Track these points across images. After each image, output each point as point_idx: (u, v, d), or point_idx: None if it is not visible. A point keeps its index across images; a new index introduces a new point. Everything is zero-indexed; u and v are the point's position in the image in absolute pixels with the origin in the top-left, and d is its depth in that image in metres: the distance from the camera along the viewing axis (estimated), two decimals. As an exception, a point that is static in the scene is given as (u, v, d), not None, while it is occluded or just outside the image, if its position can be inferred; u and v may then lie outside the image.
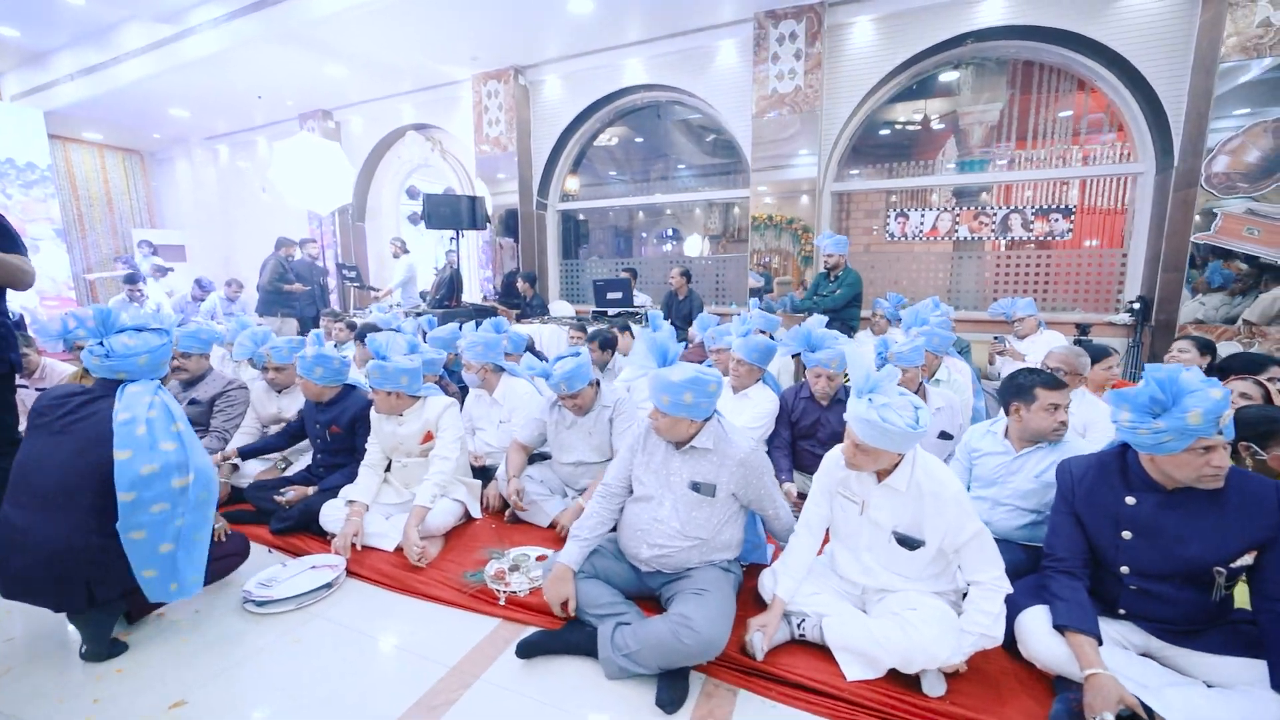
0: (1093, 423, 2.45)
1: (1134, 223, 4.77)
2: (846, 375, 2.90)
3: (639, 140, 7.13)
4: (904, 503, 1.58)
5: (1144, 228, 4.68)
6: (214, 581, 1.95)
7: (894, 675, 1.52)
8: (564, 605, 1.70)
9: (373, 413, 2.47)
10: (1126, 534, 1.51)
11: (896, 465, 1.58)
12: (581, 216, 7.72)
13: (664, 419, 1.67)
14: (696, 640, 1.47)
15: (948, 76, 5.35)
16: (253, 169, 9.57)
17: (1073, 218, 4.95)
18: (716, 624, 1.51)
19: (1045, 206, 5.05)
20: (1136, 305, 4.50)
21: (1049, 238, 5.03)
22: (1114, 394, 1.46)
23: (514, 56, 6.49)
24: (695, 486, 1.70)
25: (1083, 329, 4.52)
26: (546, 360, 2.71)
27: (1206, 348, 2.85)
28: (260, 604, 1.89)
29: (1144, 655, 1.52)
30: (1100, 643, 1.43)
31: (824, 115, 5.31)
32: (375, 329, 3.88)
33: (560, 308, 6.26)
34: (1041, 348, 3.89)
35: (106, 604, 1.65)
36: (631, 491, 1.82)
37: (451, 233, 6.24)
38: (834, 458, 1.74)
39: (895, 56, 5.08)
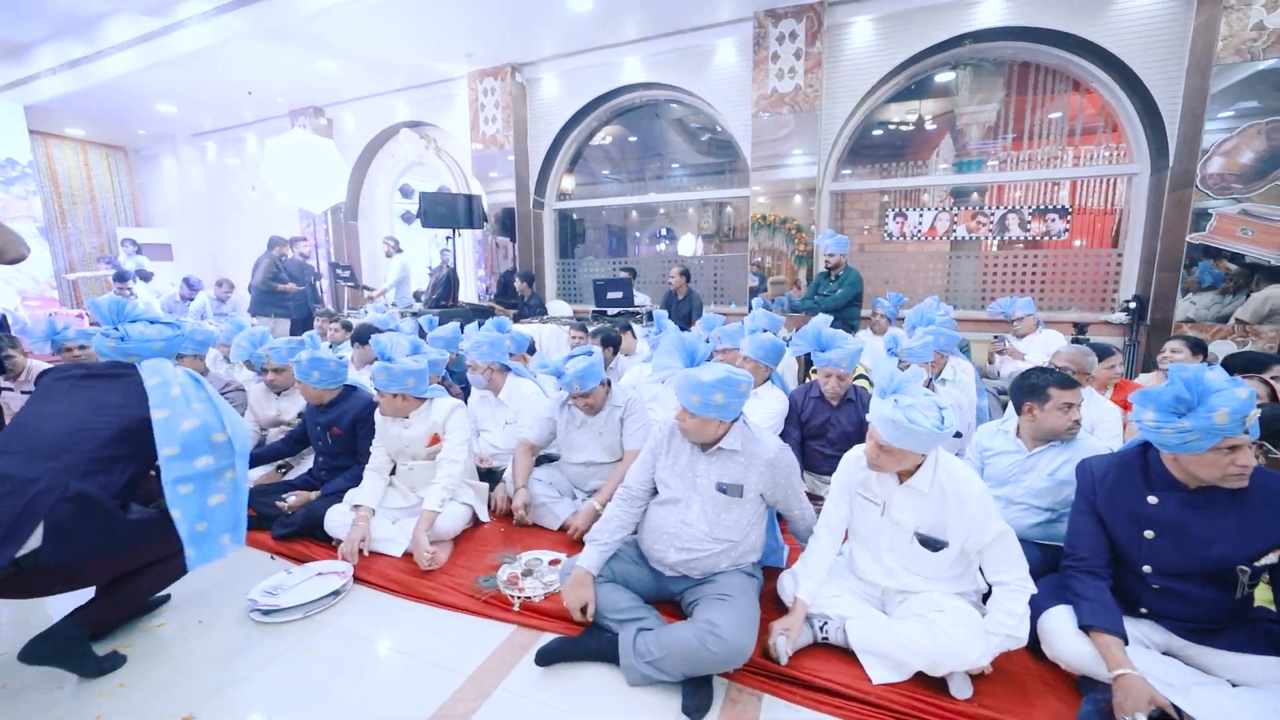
0: (1099, 421, 2.46)
1: (1129, 223, 4.82)
2: (862, 375, 2.91)
3: (634, 139, 7.09)
4: (927, 504, 1.57)
5: (1139, 228, 4.73)
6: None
7: (919, 677, 1.51)
8: (584, 610, 1.67)
9: (378, 415, 2.42)
10: (1149, 533, 1.50)
11: (919, 466, 1.57)
12: (576, 216, 7.67)
13: (692, 420, 1.64)
14: (724, 648, 1.45)
15: (945, 77, 5.37)
16: (242, 166, 9.39)
17: (1069, 218, 4.99)
18: (743, 631, 1.49)
19: (1042, 207, 5.09)
20: (1133, 305, 4.55)
21: (1046, 237, 5.07)
22: (1139, 394, 1.46)
23: (511, 54, 6.42)
24: (722, 488, 1.67)
25: (1080, 328, 4.56)
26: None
27: (1198, 347, 2.88)
28: (267, 613, 1.85)
29: (1166, 654, 1.52)
30: (1126, 642, 1.43)
31: (823, 115, 5.31)
32: (373, 330, 3.81)
33: (558, 307, 6.22)
34: (1040, 347, 3.93)
35: (44, 582, 1.48)
36: (656, 494, 1.79)
37: (447, 232, 6.16)
38: (854, 458, 1.73)
39: (894, 57, 5.09)
